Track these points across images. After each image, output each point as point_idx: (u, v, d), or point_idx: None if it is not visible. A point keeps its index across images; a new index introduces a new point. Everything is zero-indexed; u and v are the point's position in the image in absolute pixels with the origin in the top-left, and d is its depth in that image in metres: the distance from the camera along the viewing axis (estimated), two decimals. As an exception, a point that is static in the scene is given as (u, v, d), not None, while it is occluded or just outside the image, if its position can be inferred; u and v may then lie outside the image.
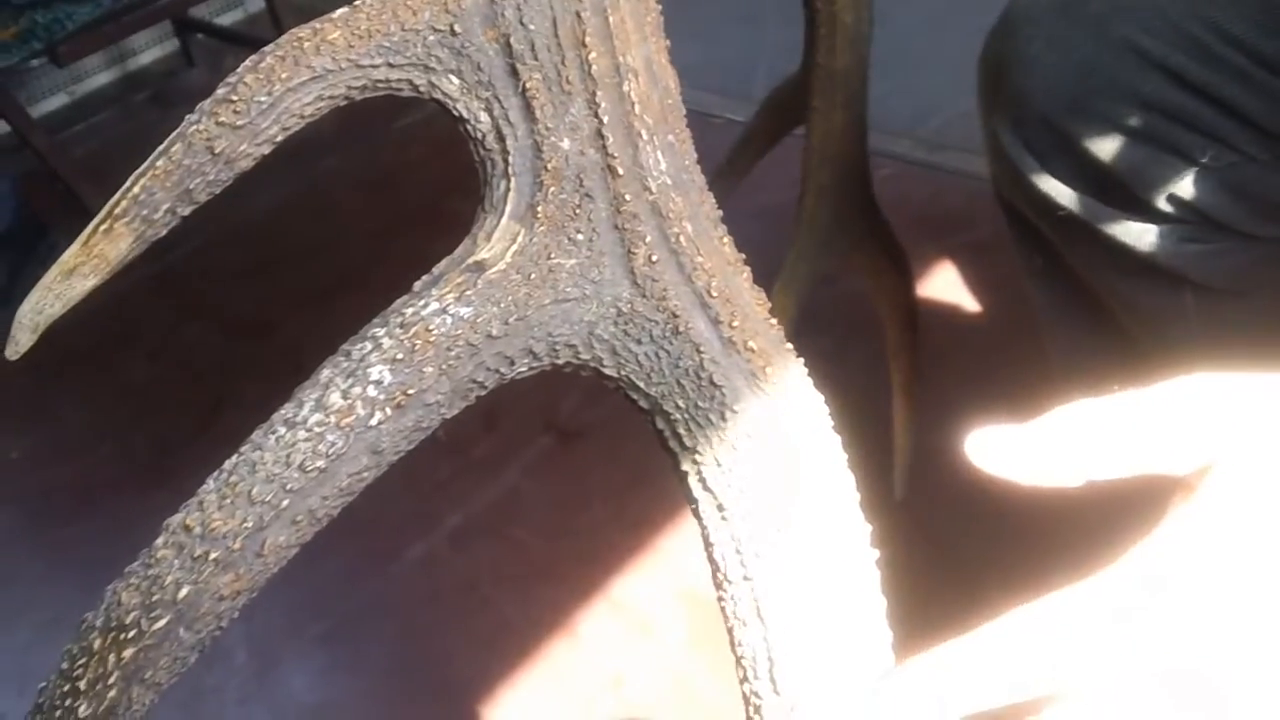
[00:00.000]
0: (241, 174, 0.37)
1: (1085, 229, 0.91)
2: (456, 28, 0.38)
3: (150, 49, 2.73)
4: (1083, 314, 1.02)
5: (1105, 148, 0.87)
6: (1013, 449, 0.35)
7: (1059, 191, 0.90)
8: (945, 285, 1.78)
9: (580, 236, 0.37)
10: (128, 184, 0.36)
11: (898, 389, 1.33)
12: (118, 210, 0.36)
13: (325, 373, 0.35)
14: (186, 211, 0.37)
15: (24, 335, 0.38)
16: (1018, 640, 0.31)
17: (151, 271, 1.88)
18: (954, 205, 1.90)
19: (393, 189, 2.13)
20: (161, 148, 0.36)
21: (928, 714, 0.31)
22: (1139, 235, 0.89)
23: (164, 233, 0.37)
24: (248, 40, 2.51)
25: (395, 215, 2.09)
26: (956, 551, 1.31)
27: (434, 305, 0.35)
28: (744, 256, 0.40)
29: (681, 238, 0.38)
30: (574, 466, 1.54)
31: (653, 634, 1.31)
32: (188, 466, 1.62)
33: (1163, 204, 0.87)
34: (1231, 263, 0.90)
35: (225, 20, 2.84)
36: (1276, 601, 0.30)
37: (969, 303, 1.76)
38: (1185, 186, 0.86)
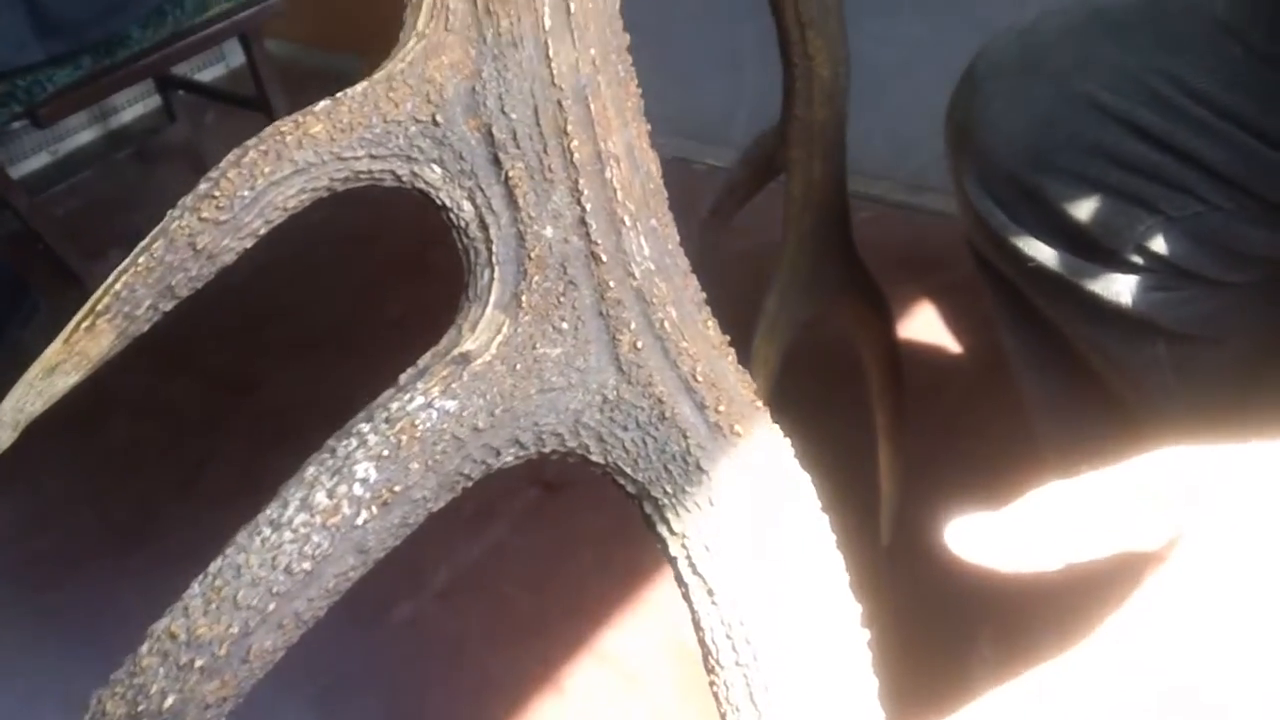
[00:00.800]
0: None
1: (1056, 280, 0.91)
2: (439, 118, 0.38)
3: (132, 106, 2.73)
4: (1057, 362, 1.03)
5: (1071, 201, 0.88)
6: (990, 537, 0.35)
7: (1028, 244, 0.91)
8: (927, 326, 1.78)
9: (565, 325, 0.37)
10: (109, 280, 0.36)
11: (882, 434, 1.33)
12: (100, 307, 0.36)
13: (310, 470, 0.35)
14: (168, 307, 0.37)
15: (4, 433, 0.37)
16: None
17: (131, 331, 1.87)
18: (933, 246, 1.91)
19: (377, 242, 2.13)
20: (143, 244, 0.36)
21: None
22: (1109, 285, 0.90)
23: (146, 329, 0.37)
24: (229, 97, 2.52)
25: (380, 269, 2.08)
26: (945, 598, 1.31)
27: (419, 400, 0.35)
28: (728, 338, 0.40)
29: (666, 323, 0.38)
30: (560, 518, 1.54)
31: (641, 687, 1.30)
32: (170, 528, 1.62)
33: (1131, 254, 0.88)
34: (1201, 309, 0.91)
35: (207, 75, 2.85)
36: (1248, 666, 0.30)
37: (951, 344, 1.76)
38: (1152, 237, 0.87)
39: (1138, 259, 0.88)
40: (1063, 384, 1.05)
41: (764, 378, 1.18)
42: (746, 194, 1.34)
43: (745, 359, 1.17)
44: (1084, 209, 0.87)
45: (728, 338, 0.40)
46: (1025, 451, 1.12)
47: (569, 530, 1.51)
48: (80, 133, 2.67)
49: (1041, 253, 0.91)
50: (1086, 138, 0.87)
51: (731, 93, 2.55)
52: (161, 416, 1.82)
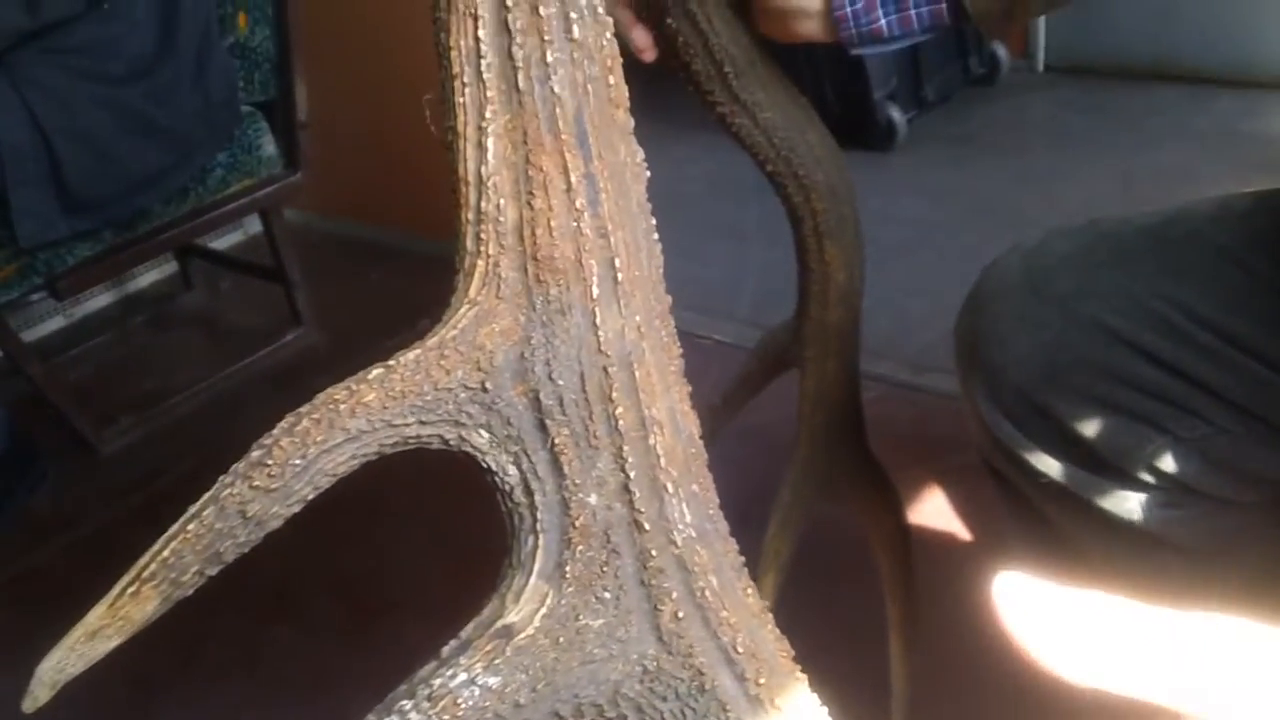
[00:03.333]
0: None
1: (1067, 494, 0.92)
2: (488, 384, 0.39)
3: (149, 271, 2.78)
4: (1068, 574, 1.02)
5: (1081, 419, 0.89)
6: (1040, 606, 0.34)
7: (1039, 459, 0.92)
8: (936, 512, 1.78)
9: (607, 595, 0.37)
10: (157, 546, 0.37)
11: (894, 627, 1.32)
12: (146, 574, 0.36)
13: (353, 747, 0.34)
14: (214, 571, 0.37)
15: (43, 691, 0.37)
16: None
17: (137, 501, 1.87)
18: (939, 428, 1.92)
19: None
20: (193, 510, 0.37)
21: None
22: (1120, 502, 0.91)
23: (191, 592, 0.37)
24: (245, 266, 2.56)
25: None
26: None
27: (462, 676, 0.35)
28: (767, 604, 0.40)
29: (707, 592, 0.38)
30: None
31: None
32: (167, 706, 1.59)
33: (1141, 472, 0.89)
34: (1212, 527, 0.91)
35: (225, 242, 2.90)
36: None
37: (960, 530, 1.76)
38: (1161, 456, 0.88)
39: (1148, 477, 0.89)
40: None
41: (776, 570, 1.17)
42: (758, 385, 1.35)
43: (756, 543, 1.16)
44: (1093, 427, 0.88)
45: (767, 603, 0.40)
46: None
47: None
48: (96, 297, 2.71)
49: (1052, 468, 0.91)
50: (1094, 360, 0.88)
51: (737, 264, 2.60)
52: (160, 587, 1.79)
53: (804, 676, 0.39)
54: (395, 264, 2.72)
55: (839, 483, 1.16)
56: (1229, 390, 0.85)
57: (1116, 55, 3.32)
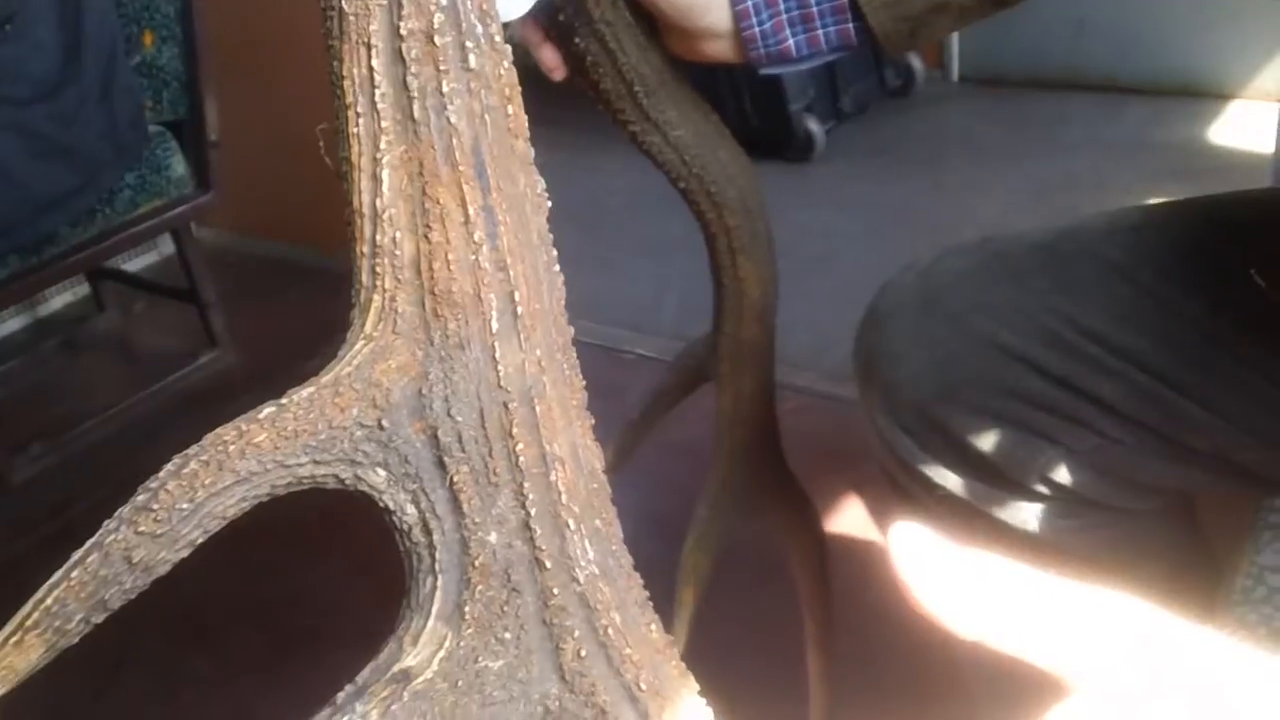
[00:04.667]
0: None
1: (964, 506, 0.93)
2: (384, 422, 0.38)
3: (61, 294, 2.72)
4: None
5: (975, 433, 0.90)
6: (933, 557, 0.34)
7: (936, 472, 0.93)
8: (853, 522, 1.79)
9: (508, 635, 0.37)
10: (39, 594, 0.35)
11: (811, 641, 1.33)
12: (29, 622, 0.35)
13: (245, 801, 0.33)
14: (100, 619, 0.36)
15: (-79, 749, 0.36)
16: None
17: (50, 531, 1.82)
18: (856, 438, 1.92)
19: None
20: (77, 556, 0.35)
21: None
22: (1015, 513, 0.92)
23: (76, 640, 0.36)
24: (158, 288, 2.52)
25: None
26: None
27: (359, 724, 0.34)
28: (671, 639, 0.39)
29: (610, 629, 0.38)
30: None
31: None
32: (82, 739, 1.55)
33: (1035, 483, 0.90)
34: (1108, 536, 0.93)
35: (138, 264, 2.85)
36: None
37: (876, 537, 1.77)
38: (1054, 467, 0.90)
39: (1042, 488, 0.90)
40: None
41: (694, 585, 1.17)
42: (675, 400, 1.35)
43: (674, 557, 1.16)
44: (988, 441, 0.90)
45: (670, 638, 0.39)
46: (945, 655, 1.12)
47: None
48: (7, 321, 2.64)
49: (949, 480, 0.93)
50: (987, 375, 0.90)
51: (659, 278, 2.61)
52: (73, 616, 1.75)
53: (710, 712, 0.38)
54: (313, 283, 2.69)
55: (756, 498, 1.16)
56: (1119, 402, 0.87)
57: (1029, 66, 3.39)
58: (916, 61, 3.43)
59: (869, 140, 3.27)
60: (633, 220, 2.92)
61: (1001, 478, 0.91)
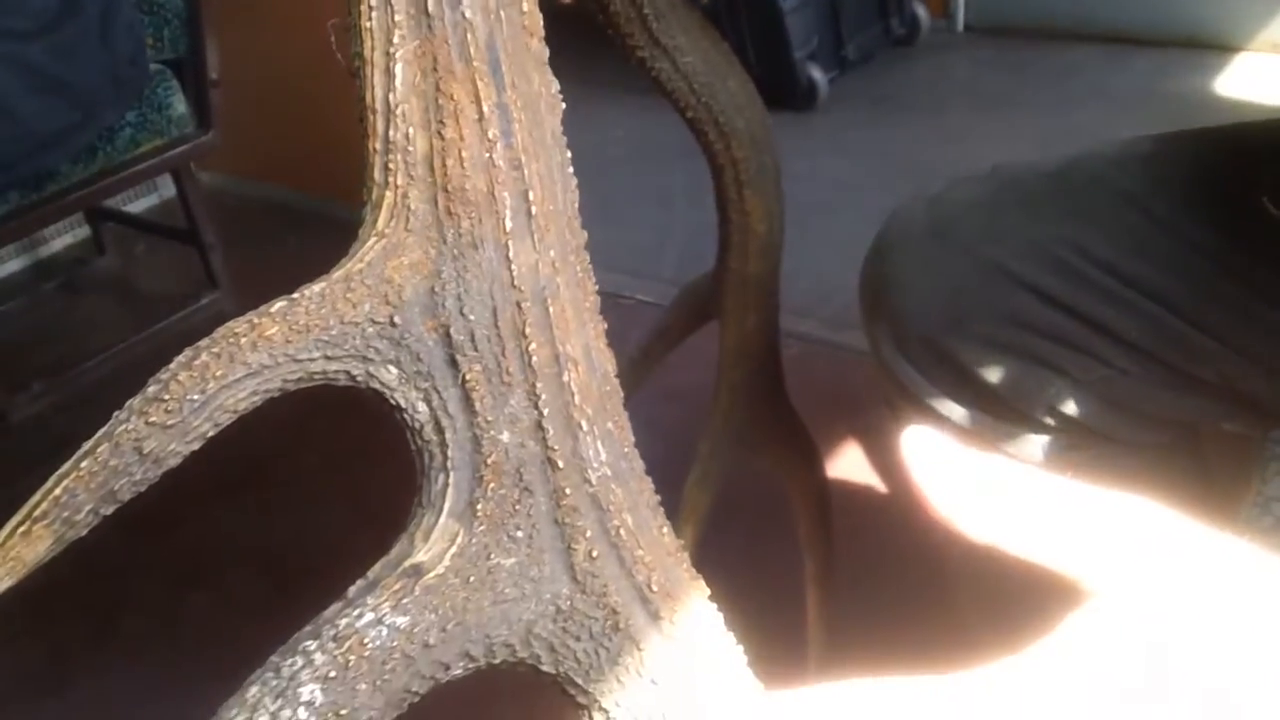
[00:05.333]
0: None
1: (970, 438, 0.93)
2: (396, 319, 0.37)
3: (61, 236, 2.71)
4: None
5: (983, 364, 0.90)
6: (947, 458, 0.34)
7: (943, 404, 0.93)
8: (854, 466, 1.80)
9: (520, 533, 0.36)
10: (48, 484, 0.35)
11: (811, 580, 1.33)
12: (37, 512, 0.35)
13: (253, 691, 0.33)
14: (109, 510, 0.36)
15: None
16: None
17: (53, 468, 1.82)
18: (857, 385, 1.93)
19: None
20: (86, 447, 0.35)
21: None
22: (1022, 446, 0.92)
23: (85, 533, 0.36)
24: (158, 229, 2.50)
25: (302, 408, 2.06)
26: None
27: (369, 616, 0.34)
28: (682, 543, 0.39)
29: (622, 530, 0.37)
30: None
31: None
32: (84, 677, 1.55)
33: (1042, 415, 0.90)
34: (1114, 469, 0.93)
35: (139, 206, 2.83)
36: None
37: (878, 484, 1.77)
38: (1062, 399, 0.89)
39: (1049, 420, 0.90)
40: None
41: (694, 523, 1.17)
42: (677, 338, 1.34)
43: (676, 500, 1.16)
44: (996, 372, 0.89)
45: (682, 541, 0.39)
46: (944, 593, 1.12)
47: None
48: (7, 262, 2.63)
49: (956, 413, 0.92)
50: (996, 304, 0.89)
51: (661, 227, 2.60)
52: (73, 559, 1.75)
53: (720, 615, 0.38)
54: (314, 229, 2.68)
55: (758, 436, 1.16)
56: (1128, 332, 0.86)
57: (1035, 15, 3.36)
58: (922, 10, 3.40)
59: (873, 89, 3.25)
60: (634, 170, 2.90)
61: (1008, 410, 0.90)
